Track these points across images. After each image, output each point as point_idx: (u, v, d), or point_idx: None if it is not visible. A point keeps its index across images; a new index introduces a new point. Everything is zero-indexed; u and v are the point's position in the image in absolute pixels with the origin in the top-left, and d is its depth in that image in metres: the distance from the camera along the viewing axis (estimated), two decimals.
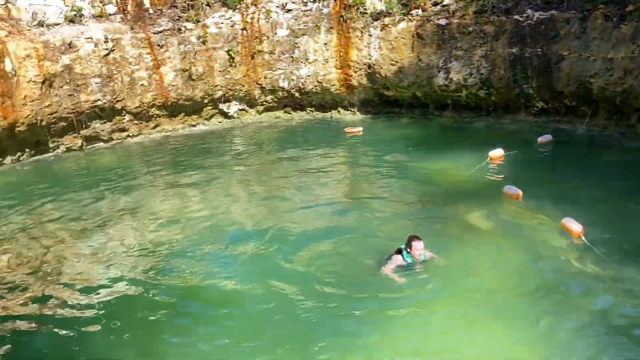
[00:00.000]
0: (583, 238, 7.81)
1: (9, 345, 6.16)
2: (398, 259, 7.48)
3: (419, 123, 16.61)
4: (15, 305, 7.07)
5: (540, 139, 13.22)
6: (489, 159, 11.94)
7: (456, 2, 15.93)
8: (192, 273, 7.86)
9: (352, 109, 18.48)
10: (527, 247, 7.95)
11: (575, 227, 8.07)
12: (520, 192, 9.64)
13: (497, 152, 12.18)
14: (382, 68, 16.88)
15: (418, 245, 7.36)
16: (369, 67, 17.12)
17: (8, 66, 14.06)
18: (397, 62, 16.60)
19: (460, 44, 15.61)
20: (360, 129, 16.20)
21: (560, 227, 8.27)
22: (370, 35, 16.97)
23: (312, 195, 11.05)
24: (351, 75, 17.57)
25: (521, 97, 15.16)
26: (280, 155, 14.45)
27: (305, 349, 6.00)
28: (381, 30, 16.66)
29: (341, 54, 17.54)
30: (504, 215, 9.26)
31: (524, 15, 14.65)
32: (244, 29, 17.57)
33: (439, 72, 16.04)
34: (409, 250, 7.41)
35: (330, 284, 7.29)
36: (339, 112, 18.60)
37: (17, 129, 14.42)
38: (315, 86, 18.08)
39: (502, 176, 11.08)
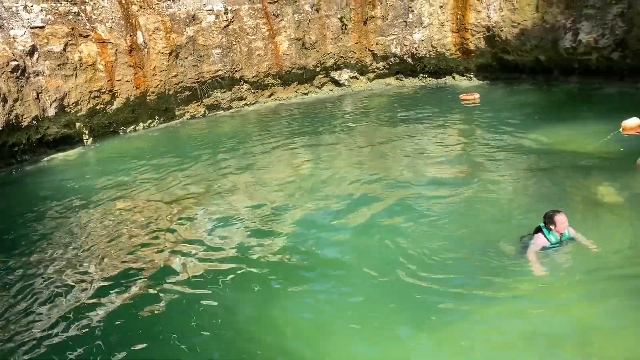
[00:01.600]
0: None
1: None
2: (541, 239, 6.59)
3: (541, 89, 15.59)
4: (152, 253, 7.84)
5: None
6: (621, 129, 10.84)
7: None
8: (299, 238, 8.02)
9: (468, 75, 17.79)
10: None
11: None
12: None
13: (632, 122, 10.94)
14: (502, 31, 15.98)
15: (562, 219, 6.47)
16: (488, 29, 16.28)
17: (140, 39, 15.22)
18: (519, 23, 15.62)
19: (592, 2, 14.28)
20: (477, 95, 15.57)
21: None
22: None
23: (423, 165, 10.83)
24: (468, 39, 16.84)
25: None
26: (391, 123, 14.30)
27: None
28: None
29: (458, 16, 16.83)
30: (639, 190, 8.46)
31: None
32: None
33: (565, 33, 14.88)
34: (551, 227, 6.51)
35: (445, 264, 6.81)
36: (453, 78, 18.00)
37: (148, 97, 15.71)
38: (429, 51, 17.57)
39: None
